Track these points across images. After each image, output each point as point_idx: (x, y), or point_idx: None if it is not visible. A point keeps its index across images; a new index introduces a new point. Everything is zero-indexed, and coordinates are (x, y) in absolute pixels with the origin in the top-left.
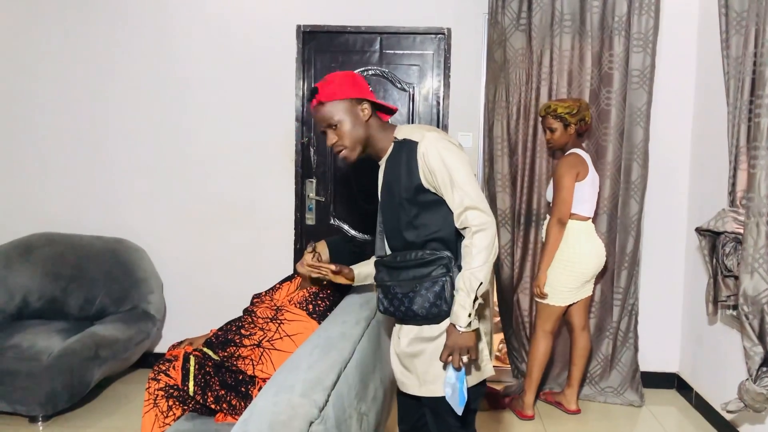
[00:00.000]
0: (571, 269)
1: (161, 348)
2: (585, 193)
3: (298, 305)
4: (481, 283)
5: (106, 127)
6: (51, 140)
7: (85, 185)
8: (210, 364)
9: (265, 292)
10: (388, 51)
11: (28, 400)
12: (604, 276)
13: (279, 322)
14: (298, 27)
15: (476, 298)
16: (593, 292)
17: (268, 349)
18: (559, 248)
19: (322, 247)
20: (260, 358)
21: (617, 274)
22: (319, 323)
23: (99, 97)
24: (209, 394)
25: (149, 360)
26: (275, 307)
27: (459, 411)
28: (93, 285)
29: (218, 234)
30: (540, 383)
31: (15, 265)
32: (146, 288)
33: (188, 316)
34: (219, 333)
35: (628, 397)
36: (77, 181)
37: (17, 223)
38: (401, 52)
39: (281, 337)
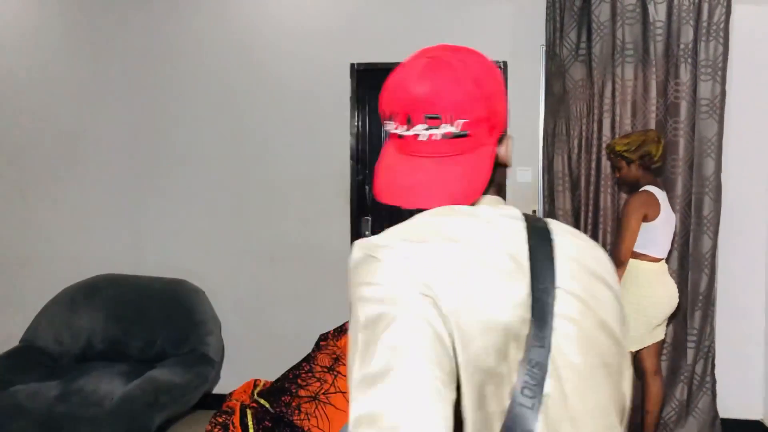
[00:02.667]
0: (642, 313)
1: (220, 389)
2: (656, 235)
3: None
4: None
5: (167, 170)
6: (115, 184)
7: (147, 227)
8: (268, 417)
9: (333, 332)
10: None
11: None
12: (677, 316)
13: (335, 374)
14: (352, 65)
15: None
16: (665, 333)
17: (324, 402)
18: (629, 291)
19: None
20: (315, 411)
21: (690, 314)
22: None
23: (160, 140)
24: None
25: (209, 401)
26: (335, 356)
27: None
28: (153, 327)
29: (275, 274)
30: None
31: (80, 307)
32: (205, 330)
33: (246, 357)
34: (277, 381)
35: None
36: (140, 223)
37: (83, 265)
38: None
39: (336, 392)
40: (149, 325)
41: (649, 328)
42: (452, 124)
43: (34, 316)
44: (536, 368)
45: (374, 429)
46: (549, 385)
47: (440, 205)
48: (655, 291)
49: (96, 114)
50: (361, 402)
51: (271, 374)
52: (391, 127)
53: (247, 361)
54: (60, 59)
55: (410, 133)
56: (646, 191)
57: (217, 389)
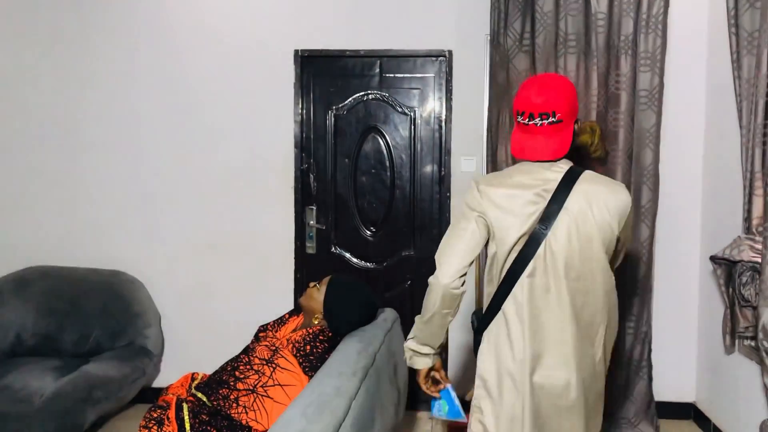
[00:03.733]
0: None
1: (160, 383)
2: None
3: (294, 347)
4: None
5: (102, 159)
6: (46, 171)
7: (81, 216)
8: (205, 411)
9: (273, 323)
10: (388, 74)
11: None
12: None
13: (273, 366)
14: (296, 51)
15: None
16: None
17: (262, 395)
18: None
19: (323, 285)
20: (253, 404)
21: (628, 301)
22: (313, 374)
23: (94, 127)
24: None
25: (148, 395)
26: (274, 348)
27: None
28: (88, 320)
29: (217, 264)
30: None
31: (9, 300)
32: (143, 322)
33: (187, 348)
34: (215, 373)
35: (643, 429)
36: (73, 212)
37: (12, 256)
38: (401, 75)
39: (274, 385)
40: (84, 318)
41: None
42: (554, 116)
43: None
44: (537, 239)
45: (437, 258)
46: (544, 244)
47: (547, 158)
48: None
49: (23, 96)
50: (438, 248)
51: (213, 366)
52: (520, 118)
53: (189, 353)
54: None
55: (531, 122)
56: None
57: (157, 383)
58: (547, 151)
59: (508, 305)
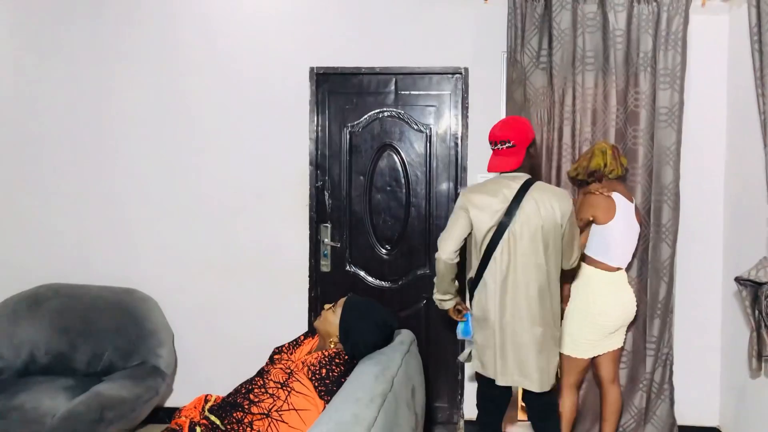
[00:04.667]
0: (591, 321)
1: (172, 402)
2: (609, 239)
3: (310, 370)
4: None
5: (116, 175)
6: (60, 188)
7: (94, 234)
8: None
9: (288, 345)
10: (403, 92)
11: None
12: (636, 324)
13: (288, 390)
14: (311, 69)
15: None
16: (624, 341)
17: (277, 420)
18: (580, 297)
19: (338, 308)
20: (267, 429)
21: (650, 322)
22: (329, 398)
23: (108, 144)
24: None
25: (160, 415)
26: (289, 371)
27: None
28: (101, 339)
29: (230, 282)
30: None
31: (22, 318)
32: (156, 341)
33: (200, 368)
34: (229, 395)
35: None
36: (87, 230)
37: (25, 274)
38: (417, 92)
39: (289, 409)
40: (97, 336)
41: (601, 335)
42: (509, 142)
43: None
44: (503, 228)
45: (439, 242)
46: (508, 231)
47: (507, 170)
48: (606, 301)
49: (40, 115)
50: (440, 235)
51: (226, 385)
52: (491, 146)
53: (202, 373)
54: (7, 61)
55: (496, 147)
56: (601, 194)
57: (170, 402)
58: (507, 166)
59: (487, 273)
